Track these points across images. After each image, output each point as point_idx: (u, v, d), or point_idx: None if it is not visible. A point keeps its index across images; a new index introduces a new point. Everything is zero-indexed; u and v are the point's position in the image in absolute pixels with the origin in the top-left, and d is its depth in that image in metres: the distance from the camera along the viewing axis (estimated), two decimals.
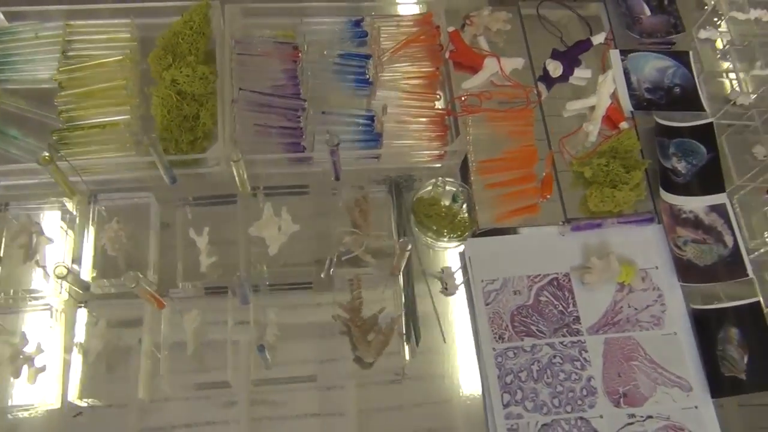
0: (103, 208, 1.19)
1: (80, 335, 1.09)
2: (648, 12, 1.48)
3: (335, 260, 1.15)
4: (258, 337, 1.09)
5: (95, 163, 1.18)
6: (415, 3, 1.44)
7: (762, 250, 1.24)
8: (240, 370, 1.08)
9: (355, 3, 1.38)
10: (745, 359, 1.17)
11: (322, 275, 1.15)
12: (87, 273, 1.13)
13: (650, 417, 1.13)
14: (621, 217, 1.26)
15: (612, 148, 1.29)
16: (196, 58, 1.23)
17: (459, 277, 1.20)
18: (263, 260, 1.15)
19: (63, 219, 1.18)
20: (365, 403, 1.10)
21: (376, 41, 1.34)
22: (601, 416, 1.12)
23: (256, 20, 1.35)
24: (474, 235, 1.23)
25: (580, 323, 1.18)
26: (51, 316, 1.11)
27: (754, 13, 1.45)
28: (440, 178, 1.25)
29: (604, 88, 1.33)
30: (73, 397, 1.06)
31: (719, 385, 1.15)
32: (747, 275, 1.23)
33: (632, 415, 1.12)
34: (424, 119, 1.30)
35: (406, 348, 1.13)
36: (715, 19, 1.49)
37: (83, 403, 1.06)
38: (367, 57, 1.33)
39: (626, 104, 1.38)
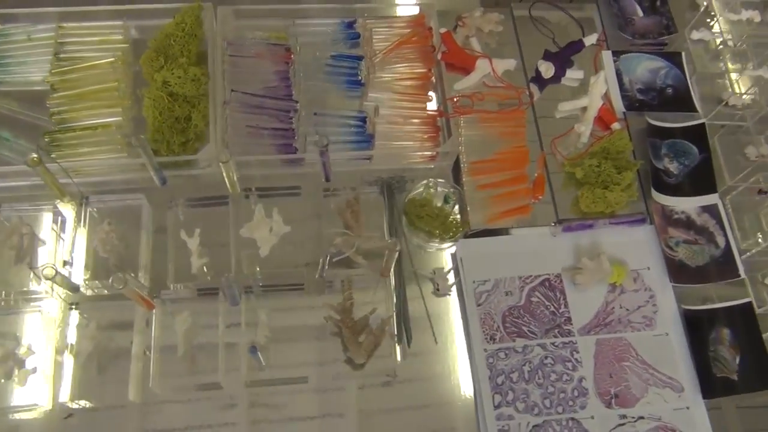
0: (95, 209, 1.19)
1: (71, 337, 1.09)
2: (640, 13, 1.48)
3: (329, 260, 1.15)
4: (249, 338, 1.09)
5: (86, 165, 1.18)
6: (407, 4, 1.44)
7: (754, 251, 1.24)
8: (232, 372, 1.08)
9: (347, 4, 1.39)
10: (737, 360, 1.17)
11: (316, 276, 1.15)
12: (79, 275, 1.13)
13: (642, 418, 1.13)
14: (613, 218, 1.26)
15: (604, 149, 1.29)
16: (187, 60, 1.24)
17: (451, 278, 1.20)
18: (254, 262, 1.15)
19: (55, 221, 1.18)
20: (357, 406, 1.09)
21: (368, 43, 1.34)
22: (593, 417, 1.12)
23: (248, 22, 1.36)
24: (466, 236, 1.23)
25: (571, 324, 1.18)
26: (42, 318, 1.11)
27: (745, 14, 1.46)
28: (432, 179, 1.25)
29: (595, 89, 1.34)
30: (64, 398, 1.06)
31: (711, 385, 1.15)
32: (739, 276, 1.23)
33: (624, 416, 1.12)
34: (416, 120, 1.30)
35: (398, 349, 1.13)
36: (708, 20, 1.49)
37: (74, 405, 1.06)
38: (360, 58, 1.33)
39: (618, 105, 1.38)
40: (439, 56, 1.36)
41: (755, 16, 1.47)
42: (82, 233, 1.16)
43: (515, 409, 1.11)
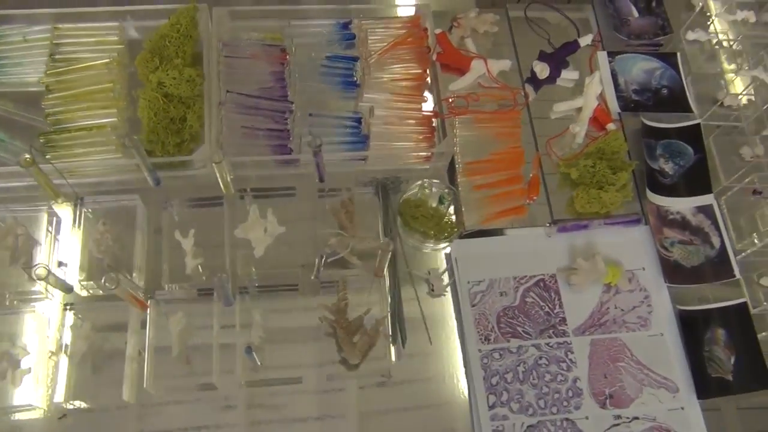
0: (90, 210, 1.19)
1: (66, 337, 1.09)
2: (636, 14, 1.48)
3: (324, 261, 1.15)
4: (244, 339, 1.09)
5: (81, 166, 1.19)
6: (403, 5, 1.45)
7: (749, 251, 1.24)
8: (227, 373, 1.08)
9: (343, 5, 1.39)
10: (732, 360, 1.17)
11: (312, 277, 1.15)
12: (74, 275, 1.14)
13: (636, 418, 1.12)
14: (608, 219, 1.26)
15: (599, 150, 1.29)
16: (183, 61, 1.24)
17: (446, 279, 1.20)
18: (249, 262, 1.15)
19: (50, 221, 1.18)
20: (356, 407, 1.09)
21: (363, 44, 1.35)
22: (587, 417, 1.12)
23: (243, 23, 1.36)
24: (461, 237, 1.23)
25: (566, 324, 1.18)
26: (37, 319, 1.11)
27: (740, 15, 1.46)
28: (427, 180, 1.25)
29: (590, 90, 1.34)
30: (59, 399, 1.06)
31: (706, 386, 1.15)
32: (734, 276, 1.23)
33: (618, 417, 1.12)
34: (411, 121, 1.30)
35: (393, 350, 1.13)
36: (704, 21, 1.49)
37: (69, 406, 1.06)
38: (355, 59, 1.33)
39: (614, 106, 1.38)
40: (434, 57, 1.36)
41: (750, 16, 1.47)
42: (77, 234, 1.16)
43: (510, 409, 1.11)
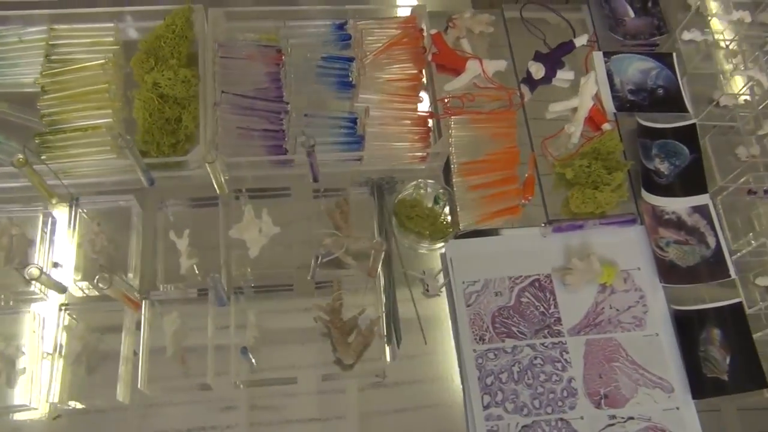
0: (85, 210, 1.19)
1: (61, 338, 1.09)
2: (632, 14, 1.49)
3: (319, 261, 1.15)
4: (239, 339, 1.09)
5: (76, 166, 1.19)
6: (398, 6, 1.45)
7: (744, 251, 1.24)
8: (221, 373, 1.08)
9: (338, 6, 1.39)
10: (727, 360, 1.17)
11: (308, 277, 1.15)
12: (69, 276, 1.14)
13: (631, 418, 1.12)
14: (603, 219, 1.26)
15: (594, 150, 1.29)
16: (178, 62, 1.24)
17: (441, 279, 1.20)
18: (244, 263, 1.15)
19: (45, 222, 1.18)
20: (357, 408, 1.09)
21: (359, 44, 1.35)
22: (582, 417, 1.11)
23: (239, 24, 1.36)
24: (456, 237, 1.23)
25: (561, 324, 1.18)
26: (32, 319, 1.11)
27: (736, 15, 1.46)
28: (422, 180, 1.25)
29: (586, 90, 1.34)
30: (53, 399, 1.05)
31: (701, 386, 1.15)
32: (729, 276, 1.23)
33: (613, 417, 1.12)
34: (407, 121, 1.30)
35: (387, 350, 1.13)
36: (700, 21, 1.49)
37: (64, 406, 1.06)
38: (351, 60, 1.33)
39: (609, 106, 1.38)
40: (429, 57, 1.36)
41: (746, 16, 1.47)
42: (72, 234, 1.16)
43: (504, 409, 1.11)
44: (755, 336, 1.18)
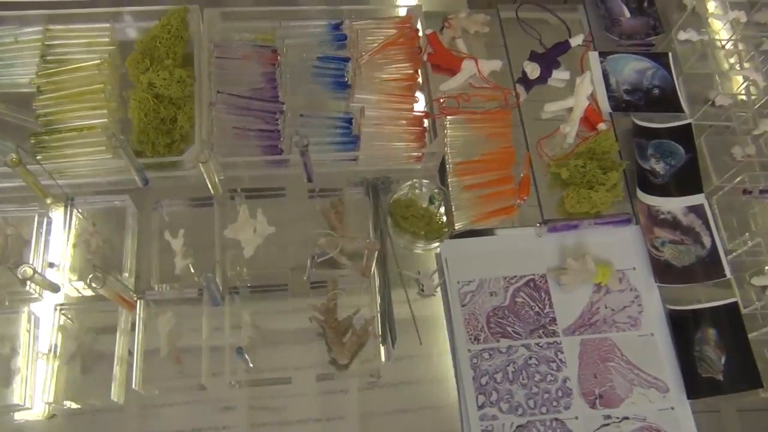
0: (80, 211, 1.19)
1: (56, 338, 1.09)
2: (627, 14, 1.49)
3: (315, 259, 1.15)
4: (233, 339, 1.09)
5: (71, 166, 1.19)
6: (394, 6, 1.45)
7: (740, 251, 1.24)
8: (216, 373, 1.08)
9: (334, 6, 1.39)
10: (723, 360, 1.17)
11: (304, 278, 1.15)
12: (65, 276, 1.14)
13: (626, 418, 1.12)
14: (598, 219, 1.26)
15: (589, 150, 1.29)
16: (173, 62, 1.24)
17: (436, 279, 1.20)
18: (239, 263, 1.15)
19: (40, 222, 1.18)
20: (357, 409, 1.09)
21: (355, 44, 1.35)
22: (577, 417, 1.11)
23: (235, 24, 1.36)
24: (451, 237, 1.23)
25: (556, 324, 1.18)
26: (26, 319, 1.11)
27: (732, 14, 1.46)
28: (417, 180, 1.25)
29: (581, 90, 1.34)
30: (48, 399, 1.05)
31: (696, 386, 1.15)
32: (725, 276, 1.23)
33: (608, 417, 1.12)
34: (402, 121, 1.30)
35: (382, 350, 1.13)
36: (695, 21, 1.49)
37: (58, 406, 1.06)
38: (346, 60, 1.33)
39: (605, 106, 1.38)
40: (425, 57, 1.36)
41: (741, 16, 1.47)
42: (67, 234, 1.16)
43: (499, 409, 1.11)
44: (750, 336, 1.18)
